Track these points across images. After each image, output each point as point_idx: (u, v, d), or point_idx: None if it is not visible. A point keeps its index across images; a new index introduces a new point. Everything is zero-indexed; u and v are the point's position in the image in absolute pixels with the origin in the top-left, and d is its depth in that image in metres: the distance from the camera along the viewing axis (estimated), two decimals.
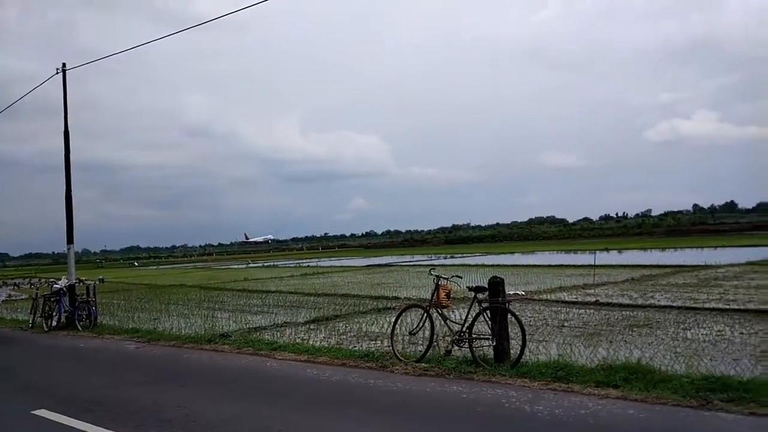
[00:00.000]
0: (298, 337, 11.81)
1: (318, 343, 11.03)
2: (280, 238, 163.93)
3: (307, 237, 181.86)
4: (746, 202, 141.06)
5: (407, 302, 14.49)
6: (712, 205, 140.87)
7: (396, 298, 17.78)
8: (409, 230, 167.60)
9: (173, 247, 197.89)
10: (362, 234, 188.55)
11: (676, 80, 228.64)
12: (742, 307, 12.70)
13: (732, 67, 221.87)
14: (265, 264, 58.32)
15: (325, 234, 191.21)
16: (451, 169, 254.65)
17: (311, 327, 13.14)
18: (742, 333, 9.90)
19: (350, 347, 10.44)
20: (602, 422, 5.74)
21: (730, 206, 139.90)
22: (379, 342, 10.78)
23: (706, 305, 13.27)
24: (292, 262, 60.18)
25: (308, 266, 46.20)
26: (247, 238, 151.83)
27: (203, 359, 10.47)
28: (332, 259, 64.10)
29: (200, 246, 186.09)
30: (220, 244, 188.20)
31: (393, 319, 9.96)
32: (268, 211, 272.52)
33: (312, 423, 6.31)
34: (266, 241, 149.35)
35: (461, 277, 9.83)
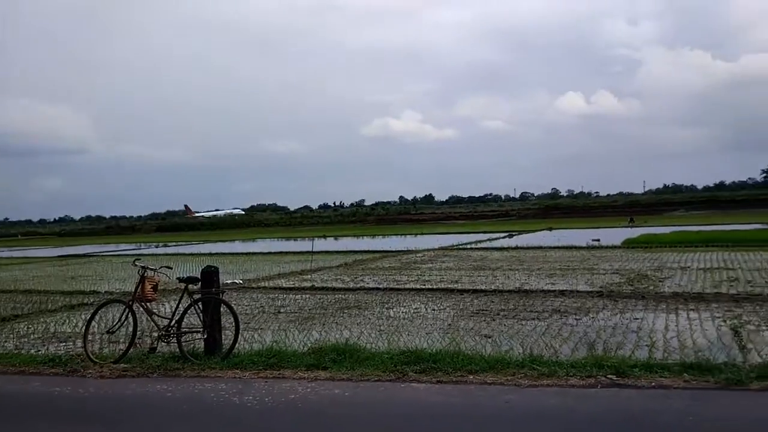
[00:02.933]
0: None
1: None
2: None
3: None
4: (441, 195, 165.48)
5: (107, 297, 13.13)
6: (414, 197, 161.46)
7: (95, 292, 15.97)
8: (115, 216, 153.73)
9: None
10: (55, 220, 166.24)
11: (389, 83, 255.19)
12: (434, 286, 14.68)
13: (431, 76, 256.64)
14: None
15: (6, 219, 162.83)
16: (168, 150, 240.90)
17: None
18: (434, 309, 11.41)
19: (33, 351, 8.99)
20: (310, 405, 5.97)
21: (429, 198, 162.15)
22: (71, 343, 9.49)
23: (407, 286, 15.00)
24: None
25: None
26: None
27: None
28: (13, 249, 54.78)
29: None
30: None
31: (88, 317, 8.88)
32: None
33: None
34: None
35: (171, 268, 9.25)
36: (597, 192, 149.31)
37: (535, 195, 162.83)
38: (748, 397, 5.56)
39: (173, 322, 8.12)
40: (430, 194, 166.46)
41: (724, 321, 9.22)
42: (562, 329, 9.19)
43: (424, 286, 14.79)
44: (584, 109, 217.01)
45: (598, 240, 27.81)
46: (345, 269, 20.29)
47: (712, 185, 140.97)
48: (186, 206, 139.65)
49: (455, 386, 6.32)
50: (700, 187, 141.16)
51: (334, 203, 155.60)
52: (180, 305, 8.24)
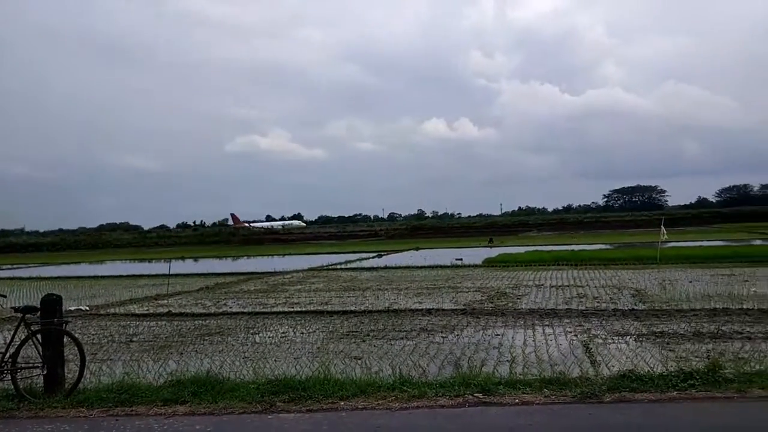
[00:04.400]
0: None
1: None
2: None
3: None
4: (310, 214, 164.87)
5: None
6: (282, 216, 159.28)
7: None
8: None
9: None
10: None
11: (254, 99, 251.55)
12: (303, 309, 14.46)
13: (299, 94, 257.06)
14: None
15: None
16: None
17: None
18: (302, 333, 11.20)
19: None
20: None
21: (298, 218, 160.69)
22: None
23: (274, 309, 14.63)
24: None
25: None
26: None
27: None
28: None
29: None
30: None
31: None
32: None
33: None
34: None
35: (5, 296, 8.23)
36: (459, 213, 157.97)
37: (403, 215, 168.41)
38: (602, 408, 6.00)
39: (7, 356, 7.21)
40: (299, 213, 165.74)
41: (576, 335, 10.00)
42: (430, 347, 9.42)
43: (292, 309, 14.52)
44: (447, 134, 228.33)
45: (461, 259, 29.17)
46: (206, 293, 19.38)
47: (561, 208, 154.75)
48: (233, 215, 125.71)
49: (326, 414, 6.18)
50: (550, 209, 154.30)
51: (195, 222, 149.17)
52: (15, 337, 7.34)
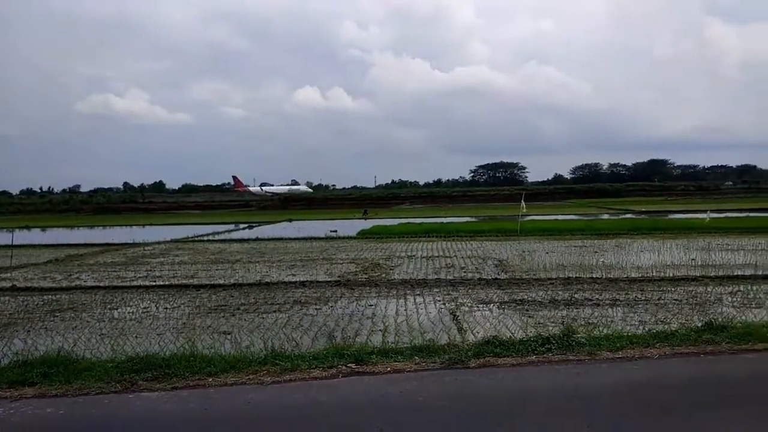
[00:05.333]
0: None
1: None
2: None
3: None
4: (173, 182, 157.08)
5: None
6: (142, 184, 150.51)
7: None
8: None
9: None
10: None
11: (109, 58, 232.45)
12: (167, 282, 13.81)
13: (162, 54, 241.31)
14: None
15: None
16: None
17: None
18: (166, 308, 10.71)
19: None
20: (14, 429, 5.08)
21: (159, 186, 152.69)
22: None
23: (134, 283, 13.84)
24: None
25: None
26: None
27: None
28: None
29: None
30: None
31: None
32: None
33: None
34: None
35: None
36: (334, 185, 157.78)
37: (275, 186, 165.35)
38: (468, 373, 6.35)
39: None
40: (161, 181, 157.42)
41: (444, 304, 10.47)
42: (303, 320, 9.42)
43: (154, 283, 13.81)
44: (321, 104, 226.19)
45: (336, 231, 29.36)
46: (56, 265, 17.91)
47: (431, 182, 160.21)
48: (235, 177, 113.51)
49: (192, 391, 5.98)
50: (422, 183, 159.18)
51: (41, 189, 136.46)
52: None
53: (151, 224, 44.85)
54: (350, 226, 34.20)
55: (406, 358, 6.83)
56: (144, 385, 6.14)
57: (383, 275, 14.21)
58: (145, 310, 10.51)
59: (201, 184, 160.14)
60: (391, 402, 5.60)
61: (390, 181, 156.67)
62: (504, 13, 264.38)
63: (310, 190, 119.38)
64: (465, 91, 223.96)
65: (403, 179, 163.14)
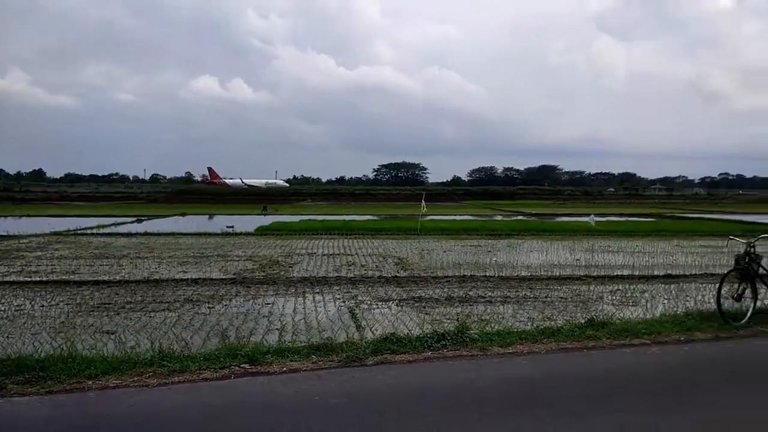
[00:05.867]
0: None
1: None
2: None
3: None
4: (55, 171, 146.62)
5: None
6: (18, 171, 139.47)
7: None
8: None
9: None
10: None
11: None
12: (44, 278, 12.83)
13: (44, 31, 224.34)
14: None
15: None
16: None
17: None
18: (42, 305, 9.94)
19: None
20: None
21: (38, 174, 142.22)
22: None
23: (6, 278, 12.77)
24: None
25: None
26: None
27: None
28: None
29: None
30: None
31: None
32: None
33: None
34: None
35: None
36: (231, 178, 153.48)
37: (168, 178, 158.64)
38: (366, 370, 6.37)
39: None
40: (41, 169, 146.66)
41: (344, 302, 10.48)
42: (194, 319, 9.07)
43: (29, 279, 12.80)
44: (220, 94, 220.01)
45: (233, 227, 28.54)
46: None
47: (334, 179, 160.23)
48: (210, 169, 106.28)
49: (69, 395, 5.57)
50: (324, 180, 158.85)
51: None
52: None
53: (28, 215, 41.55)
54: (248, 221, 33.40)
55: (303, 357, 6.75)
56: (15, 389, 5.65)
57: (282, 273, 13.99)
58: (18, 308, 9.71)
59: (86, 173, 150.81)
60: (285, 402, 5.51)
61: (292, 176, 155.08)
62: (409, 14, 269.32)
63: (287, 185, 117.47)
64: (370, 90, 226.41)
65: (306, 175, 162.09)
